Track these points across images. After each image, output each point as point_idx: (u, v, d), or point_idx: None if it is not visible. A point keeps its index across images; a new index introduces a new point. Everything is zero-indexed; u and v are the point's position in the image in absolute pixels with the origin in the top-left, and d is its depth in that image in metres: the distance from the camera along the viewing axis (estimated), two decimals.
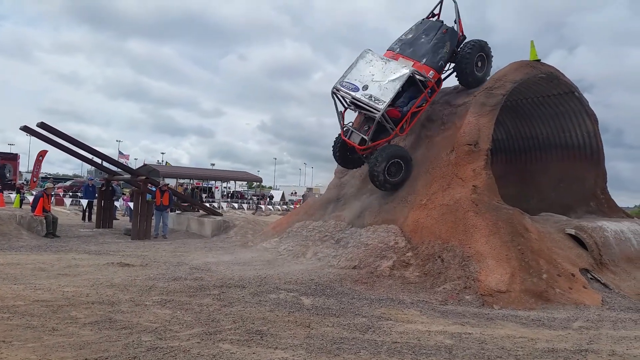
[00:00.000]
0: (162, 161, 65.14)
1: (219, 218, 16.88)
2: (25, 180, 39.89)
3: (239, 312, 6.32)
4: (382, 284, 8.46)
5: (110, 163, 17.93)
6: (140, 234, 14.41)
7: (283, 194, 54.80)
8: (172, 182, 40.42)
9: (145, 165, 45.62)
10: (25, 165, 47.89)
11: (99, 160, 17.85)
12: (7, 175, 35.88)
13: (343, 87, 10.63)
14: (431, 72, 10.75)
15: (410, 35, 11.51)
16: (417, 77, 10.47)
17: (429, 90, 10.80)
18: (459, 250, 8.57)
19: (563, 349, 5.38)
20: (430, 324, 6.22)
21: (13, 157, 38.42)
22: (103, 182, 18.10)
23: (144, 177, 16.07)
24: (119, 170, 17.93)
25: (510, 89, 11.04)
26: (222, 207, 30.94)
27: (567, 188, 13.48)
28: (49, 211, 14.64)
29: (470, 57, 11.26)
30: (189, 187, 35.92)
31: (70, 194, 30.20)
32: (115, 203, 19.96)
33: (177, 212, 18.71)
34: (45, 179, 39.53)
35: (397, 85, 10.21)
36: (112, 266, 9.34)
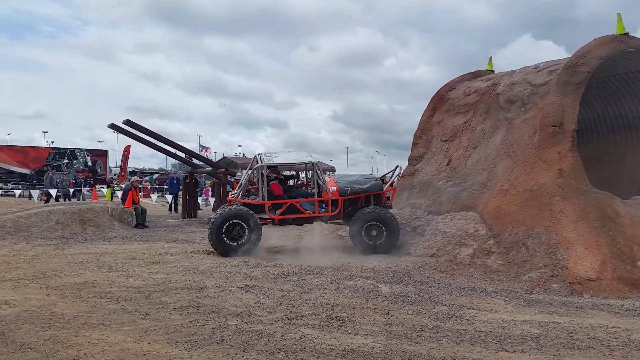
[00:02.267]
0: (240, 153, 67.18)
1: None
2: (114, 174, 42.64)
3: (318, 298, 6.44)
4: (463, 272, 8.27)
5: (192, 156, 18.75)
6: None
7: None
8: None
9: (224, 157, 47.25)
10: (113, 161, 51.18)
11: (182, 154, 18.70)
12: (98, 170, 38.60)
13: None
14: None
15: None
16: None
17: None
18: (544, 237, 8.19)
19: None
20: (515, 313, 6.02)
21: (103, 154, 41.26)
22: (187, 174, 18.98)
23: (224, 169, 16.68)
24: (201, 163, 18.72)
25: (595, 66, 10.31)
26: None
27: None
28: (138, 203, 15.58)
29: None
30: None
31: (157, 186, 31.93)
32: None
33: None
34: (132, 173, 42.07)
35: None
36: (198, 254, 9.82)
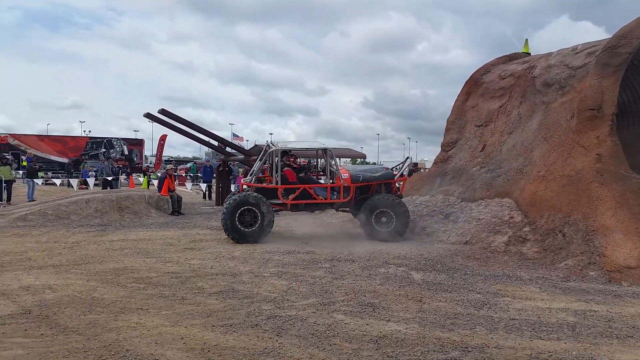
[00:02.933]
0: (271, 141, 67.52)
1: None
2: (150, 163, 43.52)
3: (350, 284, 6.47)
4: (497, 260, 8.16)
5: (225, 145, 18.96)
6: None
7: None
8: None
9: (256, 146, 47.59)
10: (149, 150, 52.29)
11: (215, 143, 18.94)
12: (135, 159, 39.46)
13: None
14: None
15: None
16: None
17: None
18: (582, 224, 7.99)
19: None
20: (551, 300, 5.92)
21: (139, 143, 42.14)
22: (220, 163, 19.23)
23: (256, 157, 16.81)
24: (234, 151, 18.91)
25: (637, 46, 9.92)
26: None
27: None
28: (174, 191, 15.89)
29: None
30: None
31: (191, 175, 32.48)
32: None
33: None
34: (167, 161, 42.88)
35: None
36: (231, 241, 9.97)
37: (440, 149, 13.21)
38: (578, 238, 7.85)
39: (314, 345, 4.33)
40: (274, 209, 10.14)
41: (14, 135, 37.02)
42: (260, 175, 11.01)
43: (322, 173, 11.38)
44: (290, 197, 10.27)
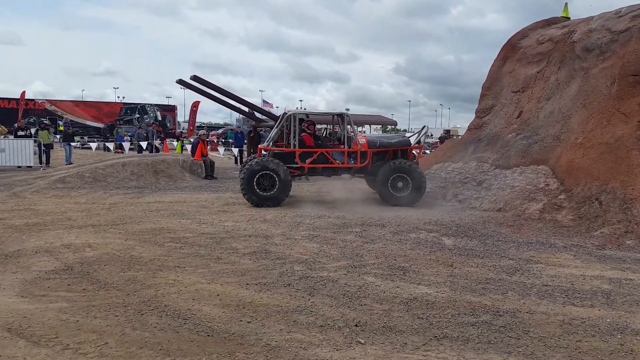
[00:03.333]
0: (301, 108, 67.40)
1: None
2: (183, 129, 44.09)
3: (381, 249, 6.51)
4: (531, 227, 8.06)
5: (256, 111, 19.00)
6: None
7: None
8: None
9: (285, 113, 47.57)
10: (181, 116, 52.85)
11: (245, 109, 19.01)
12: (168, 125, 40.08)
13: None
14: None
15: None
16: None
17: None
18: (620, 192, 7.78)
19: None
20: (585, 268, 5.84)
21: (171, 109, 42.70)
22: (251, 129, 19.33)
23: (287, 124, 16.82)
24: (264, 117, 18.96)
25: None
26: None
27: None
28: (207, 155, 16.13)
29: None
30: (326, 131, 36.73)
31: (223, 140, 32.82)
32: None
33: None
34: (199, 127, 43.34)
35: None
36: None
37: (474, 115, 12.95)
38: (615, 206, 7.67)
39: (345, 305, 4.41)
40: (291, 173, 10.23)
41: (50, 101, 37.93)
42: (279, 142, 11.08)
43: (338, 142, 11.40)
44: (308, 160, 10.36)
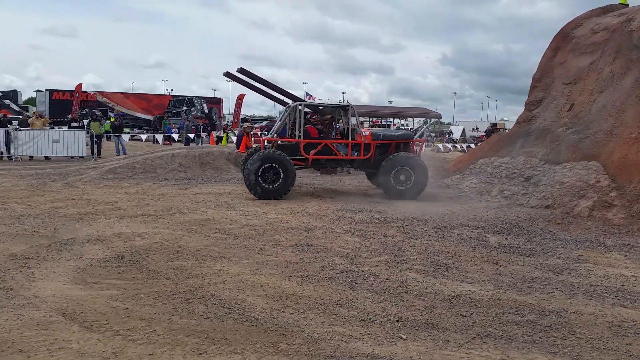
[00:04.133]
0: (343, 101, 67.17)
1: None
2: (228, 121, 44.84)
3: (423, 244, 6.47)
4: (580, 225, 7.81)
5: None
6: (327, 169, 15.31)
7: (464, 129, 52.59)
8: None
9: (289, 105, 47.50)
10: (227, 108, 53.71)
11: (289, 101, 19.17)
12: (214, 117, 40.80)
13: None
14: None
15: None
16: None
17: None
18: None
19: None
20: (636, 269, 5.62)
21: (217, 101, 43.43)
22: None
23: (329, 117, 16.85)
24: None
25: None
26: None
27: None
28: (251, 148, 16.35)
29: None
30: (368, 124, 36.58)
31: (267, 133, 33.22)
32: None
33: None
34: (244, 120, 43.94)
35: None
36: (306, 197, 10.22)
37: (523, 108, 12.60)
38: None
39: (386, 300, 4.42)
40: (295, 166, 10.23)
41: (102, 93, 39.25)
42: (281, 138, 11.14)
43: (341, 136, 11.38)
44: (312, 152, 10.39)
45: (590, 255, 6.15)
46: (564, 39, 12.24)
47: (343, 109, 11.14)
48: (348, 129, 10.60)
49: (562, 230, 7.53)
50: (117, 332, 3.62)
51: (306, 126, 10.60)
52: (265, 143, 10.78)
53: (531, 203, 9.22)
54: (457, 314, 4.14)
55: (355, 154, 10.62)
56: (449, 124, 75.89)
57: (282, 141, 10.83)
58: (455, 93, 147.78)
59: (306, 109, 11.11)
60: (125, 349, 3.36)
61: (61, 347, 3.35)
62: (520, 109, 12.78)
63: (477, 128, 55.58)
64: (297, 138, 10.45)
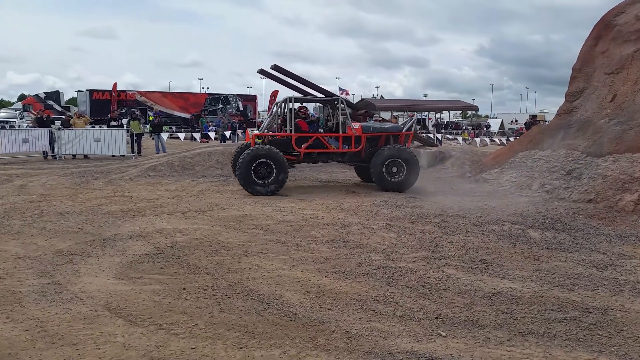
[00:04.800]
0: (377, 95, 66.76)
1: (434, 149, 16.86)
2: (262, 118, 45.22)
3: (461, 240, 6.38)
4: (624, 219, 7.55)
5: None
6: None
7: (502, 122, 51.47)
8: (386, 115, 41.33)
9: (362, 99, 47.35)
10: (261, 105, 54.16)
11: (322, 96, 19.19)
12: (249, 114, 41.20)
13: None
14: None
15: None
16: None
17: None
18: None
19: None
20: None
21: (252, 99, 43.82)
22: (327, 117, 19.48)
23: (363, 111, 16.81)
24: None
25: None
26: (436, 138, 30.65)
27: None
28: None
29: None
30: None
31: None
32: None
33: None
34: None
35: None
36: (341, 193, 10.22)
37: (564, 99, 12.24)
38: None
39: (424, 296, 4.39)
40: (287, 161, 10.20)
41: (140, 92, 40.14)
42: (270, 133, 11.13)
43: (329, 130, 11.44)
44: (304, 146, 10.40)
45: (636, 251, 5.95)
46: (605, 27, 11.82)
47: (333, 102, 11.22)
48: (338, 122, 10.72)
49: (605, 225, 7.30)
50: (160, 326, 3.73)
51: (296, 120, 10.63)
52: (256, 139, 10.71)
53: (573, 197, 8.97)
54: (498, 311, 4.08)
55: (347, 147, 10.67)
56: (487, 116, 74.26)
57: (273, 136, 10.84)
58: (492, 85, 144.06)
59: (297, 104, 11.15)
60: (168, 342, 3.45)
61: (107, 341, 3.47)
62: (560, 101, 12.44)
63: (516, 120, 54.31)
64: (288, 132, 10.47)
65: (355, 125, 10.89)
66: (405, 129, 11.36)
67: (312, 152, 10.66)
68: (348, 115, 11.15)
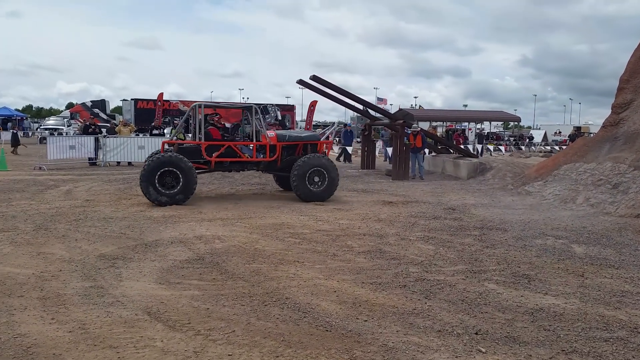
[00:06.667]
0: (416, 105, 66.21)
1: (474, 160, 16.56)
2: (300, 128, 45.56)
3: (502, 254, 6.23)
4: None
5: (371, 109, 19.10)
6: (399, 175, 15.17)
7: (545, 133, 50.10)
8: (425, 125, 40.85)
9: (400, 109, 47.05)
10: (299, 115, 54.63)
11: (360, 107, 19.21)
12: (287, 124, 41.65)
13: None
14: None
15: None
16: None
17: None
18: None
19: None
20: None
21: (290, 109, 44.35)
22: (364, 127, 19.45)
23: (401, 121, 16.68)
24: (379, 115, 18.99)
25: None
26: (476, 149, 30.12)
27: None
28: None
29: None
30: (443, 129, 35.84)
31: (337, 139, 33.43)
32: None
33: (432, 154, 19.01)
34: (315, 126, 44.48)
35: None
36: (377, 203, 10.15)
37: (609, 111, 11.84)
38: None
39: (464, 311, 4.30)
40: (197, 169, 9.85)
41: (183, 102, 41.14)
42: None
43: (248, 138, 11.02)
44: (215, 154, 10.05)
45: None
46: None
47: (247, 110, 11.00)
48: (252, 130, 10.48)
49: None
50: (198, 331, 3.77)
51: (208, 128, 10.33)
52: (166, 146, 10.32)
53: (620, 212, 8.63)
54: (540, 327, 3.95)
55: (261, 155, 10.45)
56: (529, 127, 72.49)
57: (182, 144, 10.63)
58: (535, 95, 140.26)
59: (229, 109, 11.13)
60: (205, 348, 3.49)
61: (146, 345, 3.54)
62: (606, 112, 12.09)
63: (559, 132, 52.83)
64: (197, 140, 10.13)
65: (270, 133, 10.72)
66: (324, 137, 11.28)
67: (224, 162, 10.34)
68: (263, 123, 10.93)
